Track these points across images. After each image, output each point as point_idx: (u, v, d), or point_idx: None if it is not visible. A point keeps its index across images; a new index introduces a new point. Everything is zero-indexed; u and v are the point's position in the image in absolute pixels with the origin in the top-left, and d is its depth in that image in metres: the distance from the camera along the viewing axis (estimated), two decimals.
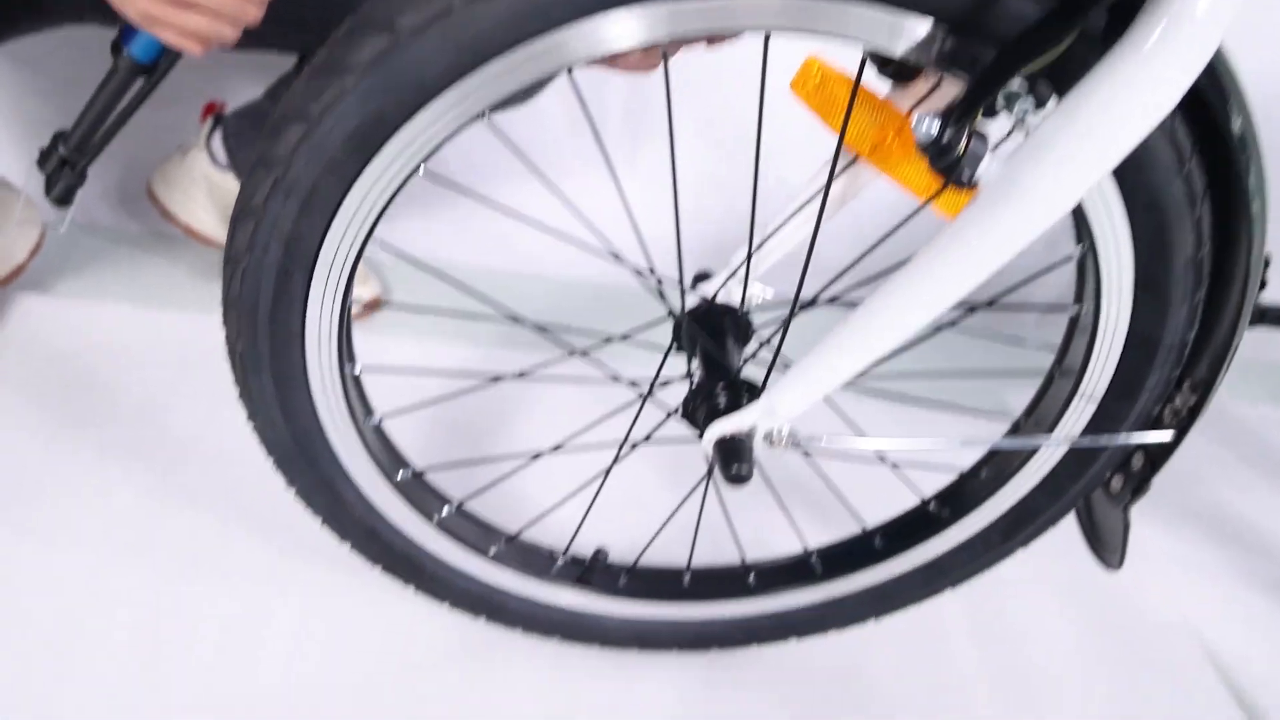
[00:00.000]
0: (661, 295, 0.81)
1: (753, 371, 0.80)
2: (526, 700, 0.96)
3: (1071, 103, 0.57)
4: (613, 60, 0.64)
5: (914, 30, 0.60)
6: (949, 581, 0.96)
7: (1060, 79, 0.59)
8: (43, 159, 1.07)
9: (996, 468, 0.90)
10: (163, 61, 1.00)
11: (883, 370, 0.73)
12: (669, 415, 0.82)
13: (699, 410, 0.77)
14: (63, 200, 1.08)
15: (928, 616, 1.10)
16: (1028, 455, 0.87)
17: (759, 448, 0.75)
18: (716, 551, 1.01)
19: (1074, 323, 0.81)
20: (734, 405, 0.76)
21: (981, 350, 1.68)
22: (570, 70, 0.62)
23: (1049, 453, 0.86)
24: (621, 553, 0.98)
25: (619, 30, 0.60)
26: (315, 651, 0.96)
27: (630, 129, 1.57)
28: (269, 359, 0.74)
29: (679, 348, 0.85)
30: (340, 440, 0.81)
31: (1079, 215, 0.69)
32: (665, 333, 0.86)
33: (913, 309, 0.67)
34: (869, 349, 0.70)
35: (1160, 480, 0.83)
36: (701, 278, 0.86)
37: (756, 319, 0.85)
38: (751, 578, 0.99)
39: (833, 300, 0.83)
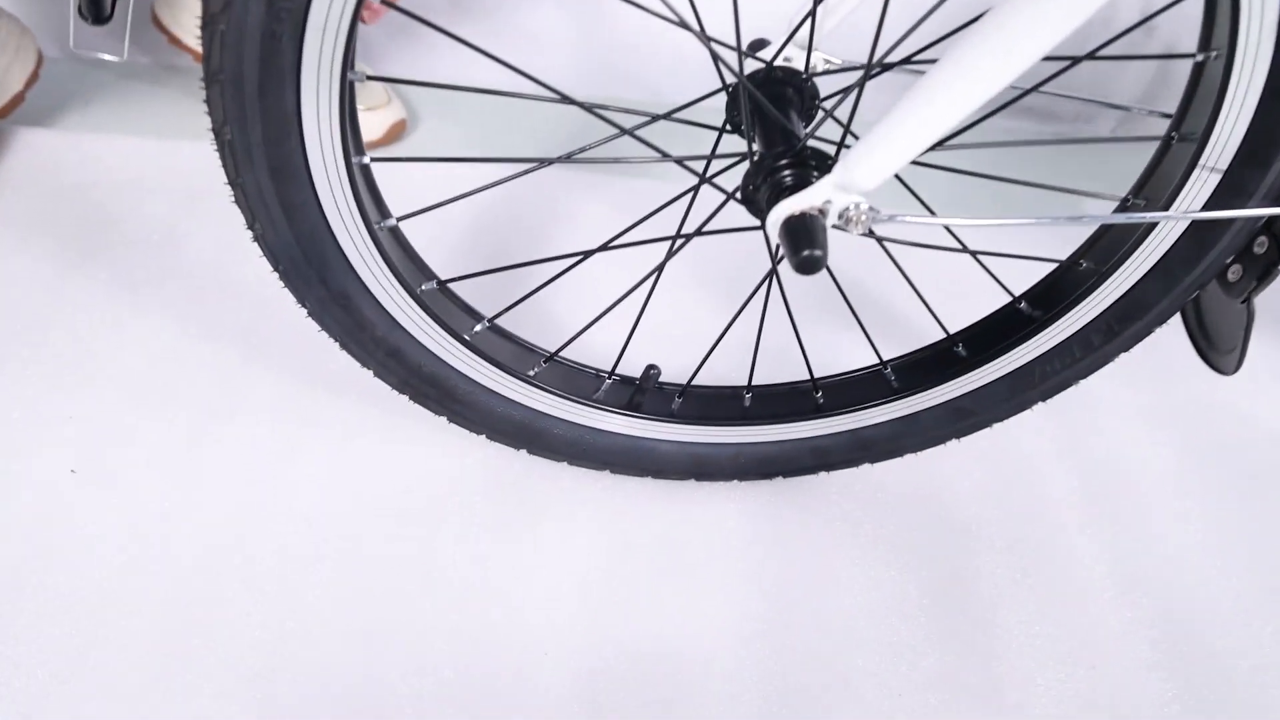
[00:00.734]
0: (716, 62, 0.69)
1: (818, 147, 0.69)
2: (575, 539, 0.88)
3: None
4: None
5: None
6: (1039, 394, 0.86)
7: None
8: None
9: (1100, 255, 0.79)
10: None
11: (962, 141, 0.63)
12: (728, 197, 0.72)
13: (761, 190, 0.66)
14: (97, 17, 0.95)
15: (1011, 437, 1.01)
16: (1137, 240, 0.76)
17: (832, 229, 0.64)
18: (779, 371, 0.91)
19: (1198, 75, 0.69)
20: (801, 182, 0.65)
21: (1074, 124, 1.54)
22: None
23: (1163, 234, 0.74)
24: (674, 373, 0.89)
25: None
26: (345, 492, 0.89)
27: None
28: (263, 147, 0.64)
29: (734, 126, 0.74)
30: (352, 245, 0.71)
31: None
32: (719, 113, 0.74)
33: (1004, 54, 0.55)
34: (957, 105, 0.58)
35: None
36: (759, 45, 0.74)
37: (822, 88, 0.73)
38: (820, 395, 0.89)
39: (909, 60, 0.71)
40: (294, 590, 0.81)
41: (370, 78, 0.67)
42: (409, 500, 0.88)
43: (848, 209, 0.63)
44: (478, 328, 0.81)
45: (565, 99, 0.71)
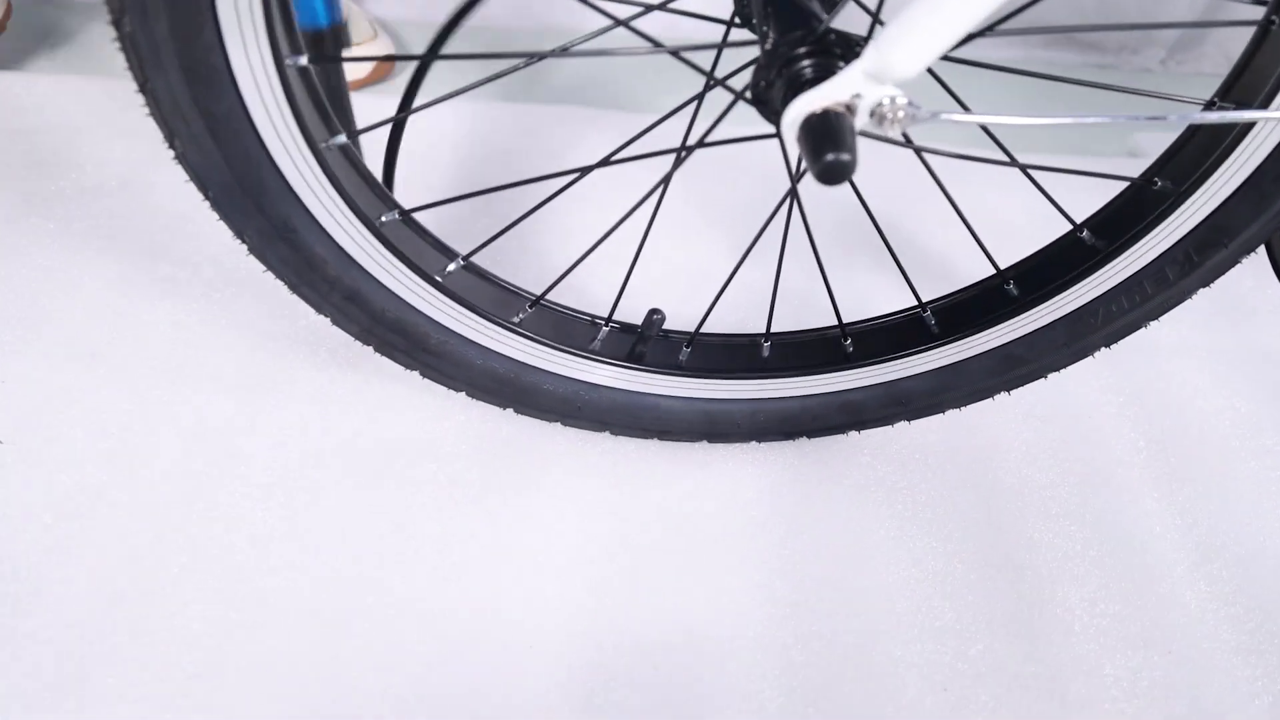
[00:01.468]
0: None
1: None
2: (569, 511, 0.77)
3: None
4: None
5: None
6: (1102, 338, 0.75)
7: None
8: None
9: (1178, 171, 0.67)
10: None
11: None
12: (736, 97, 0.60)
13: (775, 86, 0.54)
14: None
15: (1067, 389, 0.89)
16: (1224, 150, 0.63)
17: (863, 127, 0.52)
18: (802, 316, 0.80)
19: None
20: (824, 73, 0.53)
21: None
22: None
23: (1257, 141, 0.62)
24: (681, 320, 0.78)
25: None
26: (307, 462, 0.78)
27: None
28: (172, 43, 0.53)
29: (743, 19, 0.62)
30: (293, 167, 0.60)
31: None
32: (727, 4, 0.63)
33: None
34: None
35: None
36: None
37: None
38: (849, 342, 0.78)
39: None
40: (248, 574, 0.71)
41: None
42: (380, 470, 0.78)
43: (881, 104, 0.52)
44: (451, 267, 0.70)
45: None
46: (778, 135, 0.56)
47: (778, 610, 0.73)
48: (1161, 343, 0.94)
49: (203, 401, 0.80)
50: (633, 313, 0.76)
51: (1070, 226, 0.72)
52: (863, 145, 0.51)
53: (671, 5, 0.61)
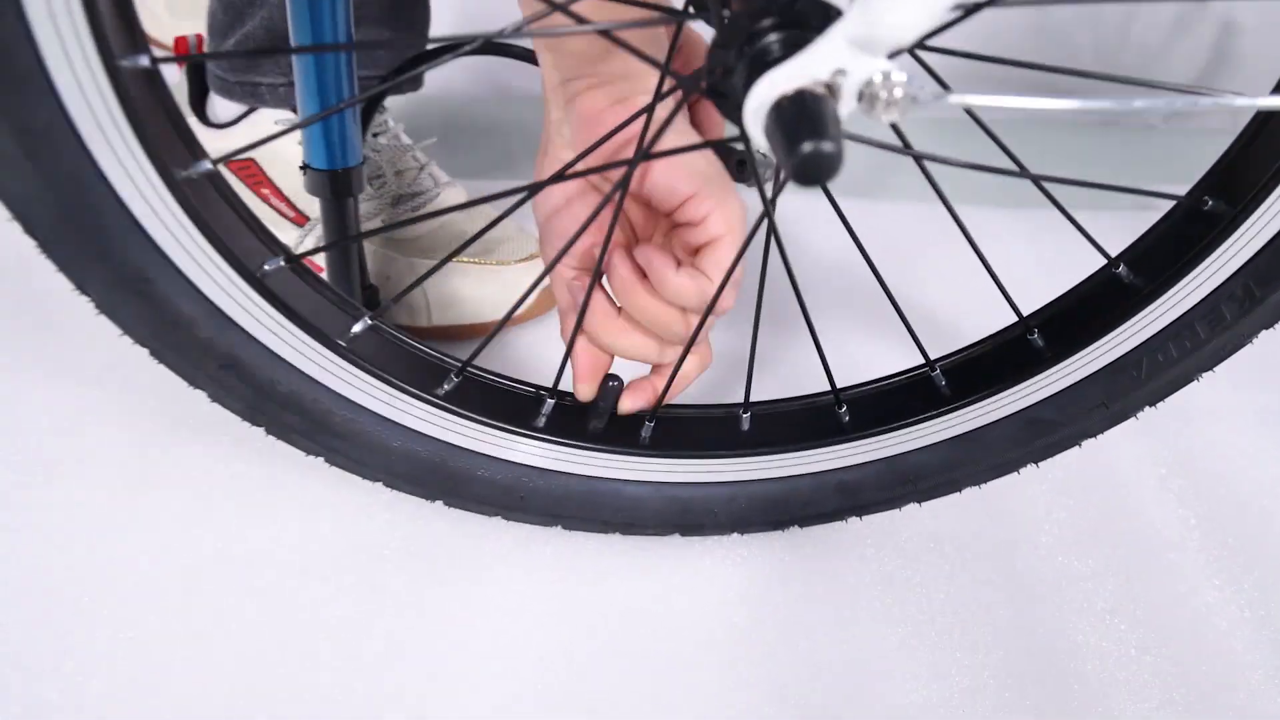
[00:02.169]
0: None
1: None
2: (514, 624, 0.64)
3: None
4: None
5: None
6: (1145, 395, 0.62)
7: None
8: None
9: (1233, 186, 0.55)
10: None
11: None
12: (688, 90, 0.48)
13: (736, 69, 0.43)
14: None
15: (1098, 461, 0.76)
16: None
17: (848, 114, 0.40)
18: (787, 381, 0.67)
19: None
20: (796, 48, 0.41)
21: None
22: None
23: None
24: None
25: None
26: (193, 570, 0.64)
27: None
28: None
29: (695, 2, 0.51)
30: (140, 198, 0.48)
31: None
32: None
33: None
34: None
35: None
36: None
37: None
38: (845, 411, 0.65)
39: None
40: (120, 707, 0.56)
41: None
42: (288, 585, 0.64)
43: (871, 82, 0.40)
44: (357, 328, 0.58)
45: None
46: (742, 136, 0.45)
47: None
48: (1199, 403, 0.81)
49: (66, 495, 0.67)
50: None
51: (1104, 261, 0.60)
52: (850, 156, 0.39)
53: None
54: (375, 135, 0.90)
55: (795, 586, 0.67)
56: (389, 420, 0.61)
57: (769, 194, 0.53)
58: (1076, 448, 0.65)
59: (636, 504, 0.67)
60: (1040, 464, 0.66)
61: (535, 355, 0.64)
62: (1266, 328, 0.58)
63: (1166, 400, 0.62)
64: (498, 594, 0.64)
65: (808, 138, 0.37)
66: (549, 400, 0.64)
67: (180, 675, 0.58)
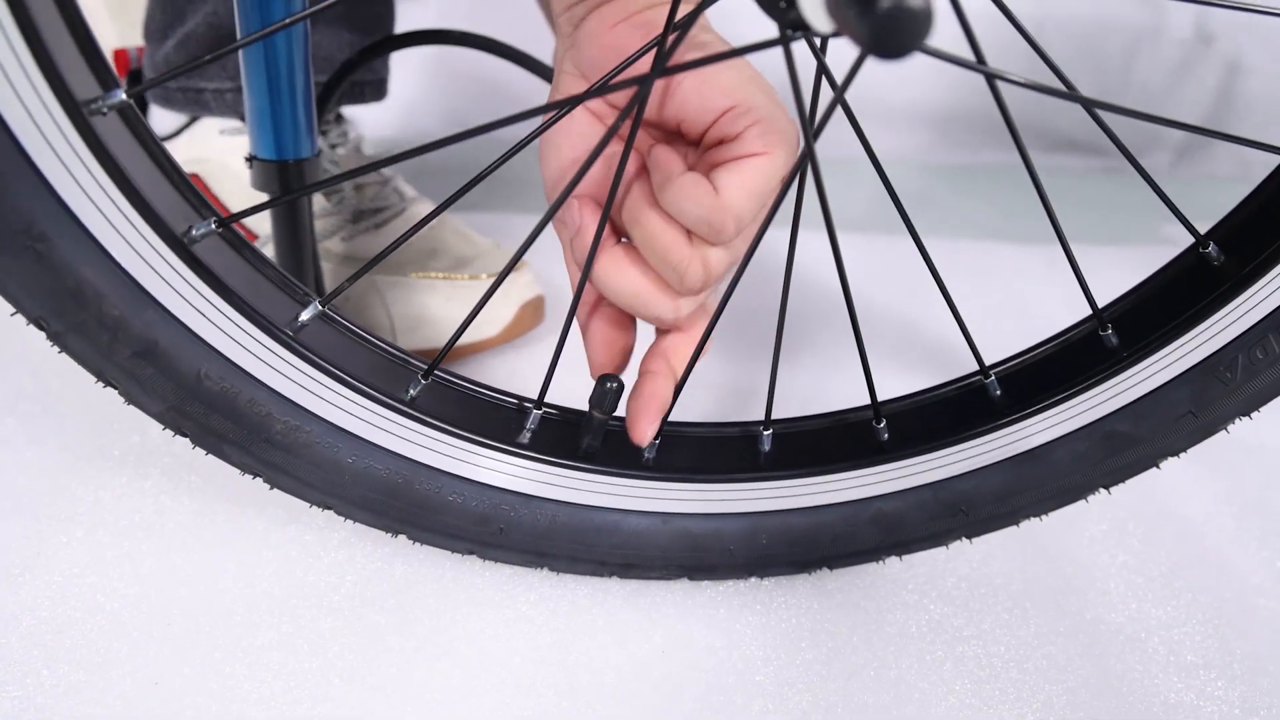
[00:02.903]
0: None
1: None
2: (487, 690, 0.52)
3: None
4: None
5: None
6: (1239, 402, 0.53)
7: None
8: None
9: None
10: None
11: None
12: None
13: None
14: None
15: (1156, 498, 0.67)
16: None
17: None
18: (817, 393, 0.57)
19: None
20: None
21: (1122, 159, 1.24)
22: None
23: None
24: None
25: None
26: (108, 623, 0.53)
27: None
28: None
29: None
30: (41, 139, 0.39)
31: None
32: None
33: None
34: None
35: None
36: None
37: None
38: (884, 426, 0.55)
39: None
40: None
41: None
42: (214, 636, 0.52)
43: None
44: (305, 315, 0.48)
45: None
46: (792, 30, 0.36)
47: None
48: (1247, 435, 0.72)
49: None
50: (575, 389, 0.54)
51: (1192, 240, 0.51)
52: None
53: None
54: (334, 147, 0.81)
55: (828, 640, 0.56)
56: (342, 429, 0.50)
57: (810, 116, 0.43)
58: (1155, 469, 0.55)
59: (638, 539, 0.56)
60: (1113, 489, 0.56)
61: (515, 385, 0.54)
62: None
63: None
64: (468, 651, 0.53)
65: None
66: (535, 412, 0.53)
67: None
